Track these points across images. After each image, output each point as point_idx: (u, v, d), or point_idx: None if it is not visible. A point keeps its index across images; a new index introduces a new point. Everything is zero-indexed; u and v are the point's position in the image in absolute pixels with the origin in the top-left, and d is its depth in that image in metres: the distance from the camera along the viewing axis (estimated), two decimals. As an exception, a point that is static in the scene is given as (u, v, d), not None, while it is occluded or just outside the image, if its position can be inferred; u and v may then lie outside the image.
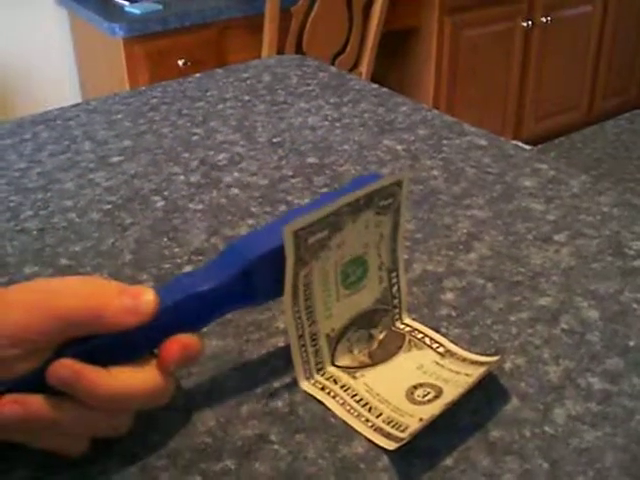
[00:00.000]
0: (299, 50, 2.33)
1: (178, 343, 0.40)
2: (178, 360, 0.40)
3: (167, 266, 0.58)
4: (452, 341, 0.49)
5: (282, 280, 0.42)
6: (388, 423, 0.42)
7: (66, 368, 0.37)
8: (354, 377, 0.46)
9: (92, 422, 0.40)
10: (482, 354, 0.47)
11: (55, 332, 0.38)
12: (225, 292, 0.42)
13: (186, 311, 0.41)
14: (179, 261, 0.59)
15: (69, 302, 0.38)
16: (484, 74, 3.00)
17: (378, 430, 0.42)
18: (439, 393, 0.44)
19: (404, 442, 0.40)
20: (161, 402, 0.41)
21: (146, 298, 0.39)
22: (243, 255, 0.42)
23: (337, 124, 0.82)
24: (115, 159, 0.76)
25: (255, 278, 0.43)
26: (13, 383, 0.38)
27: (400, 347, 0.49)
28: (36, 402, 0.38)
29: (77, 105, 0.90)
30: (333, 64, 2.35)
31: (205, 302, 0.42)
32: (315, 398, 0.45)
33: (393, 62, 2.97)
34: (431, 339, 0.49)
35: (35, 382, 0.38)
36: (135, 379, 0.39)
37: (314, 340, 0.45)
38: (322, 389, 0.45)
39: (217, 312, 0.43)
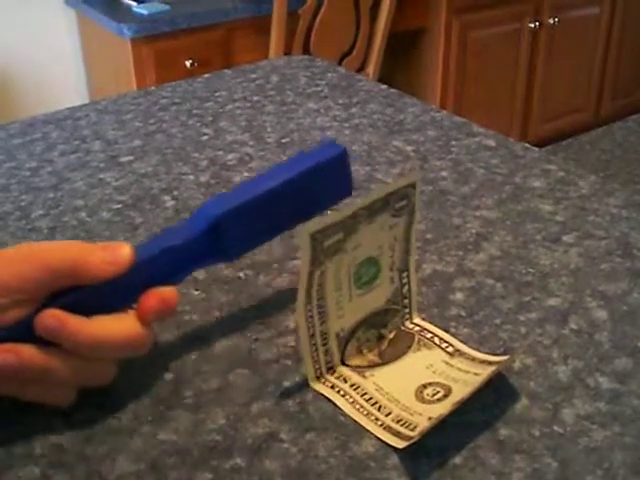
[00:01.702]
0: (306, 51, 2.33)
1: (156, 295, 0.43)
2: (156, 311, 0.43)
3: (177, 265, 0.58)
4: (461, 341, 0.49)
5: (251, 237, 0.48)
6: (398, 422, 0.43)
7: (52, 317, 0.41)
8: (364, 376, 0.46)
9: (78, 369, 0.42)
10: (491, 354, 0.48)
11: (43, 282, 0.41)
12: (196, 246, 0.46)
13: (161, 265, 0.45)
14: (189, 260, 0.59)
15: (56, 255, 0.42)
16: (491, 75, 3.00)
17: (388, 429, 0.42)
18: (448, 392, 0.44)
19: (413, 441, 0.40)
20: (141, 351, 0.44)
21: (123, 251, 0.43)
22: (211, 212, 0.46)
23: (346, 125, 0.82)
24: (125, 159, 0.76)
25: (224, 233, 0.46)
26: (2, 334, 0.41)
27: (409, 347, 0.49)
28: (28, 351, 0.41)
29: (87, 105, 0.91)
30: (340, 65, 2.35)
31: (178, 256, 0.45)
32: (325, 397, 0.45)
33: (400, 63, 2.97)
34: (440, 339, 0.49)
35: (23, 334, 0.41)
36: (116, 328, 0.42)
37: (324, 339, 0.45)
38: (332, 388, 0.46)
39: (190, 266, 0.46)
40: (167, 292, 0.44)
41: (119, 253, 0.43)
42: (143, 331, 0.43)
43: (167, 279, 0.45)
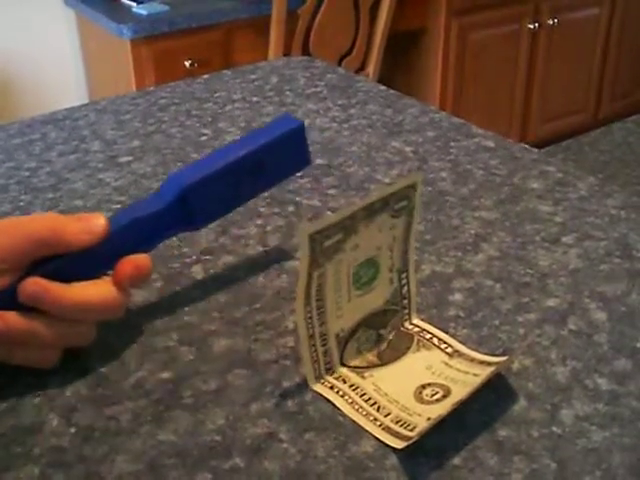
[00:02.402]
0: (306, 51, 2.33)
1: (131, 262, 0.47)
2: (131, 276, 0.46)
3: (176, 265, 0.58)
4: (460, 341, 0.49)
5: (218, 205, 0.51)
6: (397, 422, 0.43)
7: (35, 284, 0.44)
8: (363, 377, 0.46)
9: (61, 332, 0.45)
10: (490, 354, 0.48)
11: (25, 251, 0.44)
12: (165, 216, 0.49)
13: (133, 234, 0.48)
14: (188, 261, 0.59)
15: (35, 226, 0.45)
16: (491, 76, 3.00)
17: (387, 429, 0.42)
18: (447, 393, 0.44)
19: (412, 441, 0.40)
20: (117, 314, 0.47)
21: (98, 221, 0.46)
22: (179, 183, 0.49)
23: (345, 125, 0.82)
24: (124, 159, 0.76)
25: (191, 203, 0.50)
26: None
27: (409, 347, 0.49)
28: (12, 316, 0.43)
29: (86, 105, 0.91)
30: (340, 65, 2.35)
31: (149, 226, 0.49)
32: (324, 397, 0.45)
33: (400, 64, 2.97)
34: (439, 339, 0.49)
35: (7, 302, 0.43)
36: (94, 292, 0.45)
37: (324, 340, 0.45)
38: (331, 388, 0.46)
39: (161, 234, 0.50)
40: (141, 259, 0.47)
41: (94, 223, 0.46)
42: (119, 295, 0.46)
43: (140, 247, 0.48)
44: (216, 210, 0.52)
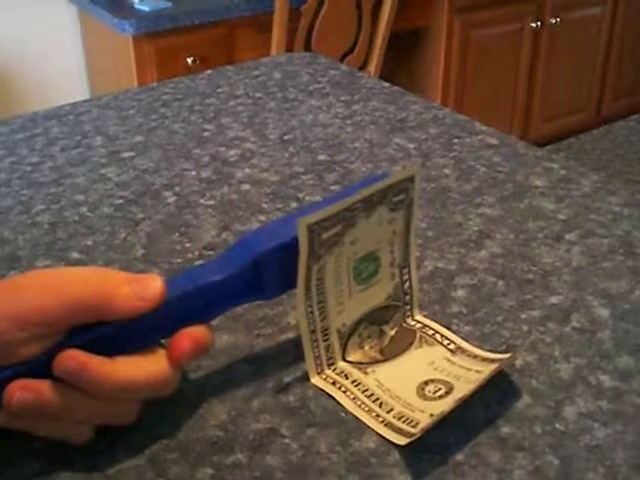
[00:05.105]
0: (308, 49, 2.33)
1: (189, 336, 0.40)
2: (189, 353, 0.40)
3: (178, 261, 0.58)
4: (463, 338, 0.49)
5: (291, 276, 0.43)
6: (399, 418, 0.43)
7: (72, 359, 0.37)
8: (365, 372, 0.46)
9: (98, 410, 0.40)
10: (493, 351, 0.47)
11: (65, 317, 0.38)
12: (234, 285, 0.42)
13: (194, 302, 0.41)
14: (190, 256, 0.59)
15: (80, 288, 0.38)
16: (492, 75, 3.00)
17: (389, 425, 0.42)
18: (450, 389, 0.44)
19: (415, 437, 0.40)
20: (167, 392, 0.41)
21: (154, 285, 0.40)
22: (253, 248, 0.42)
23: (348, 122, 0.82)
24: (126, 154, 0.76)
25: (264, 272, 0.43)
26: (17, 369, 0.38)
27: (411, 343, 0.49)
28: (45, 388, 0.38)
29: (88, 100, 0.91)
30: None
31: (213, 294, 0.42)
32: (326, 393, 0.45)
33: (402, 62, 2.97)
34: (442, 336, 0.49)
35: (43, 369, 0.38)
36: (141, 370, 0.39)
37: (325, 335, 0.45)
38: (333, 384, 0.45)
39: (225, 305, 0.43)
40: (200, 332, 0.41)
41: (149, 287, 0.40)
42: (171, 373, 0.40)
43: (199, 317, 0.41)
44: (291, 280, 0.43)
